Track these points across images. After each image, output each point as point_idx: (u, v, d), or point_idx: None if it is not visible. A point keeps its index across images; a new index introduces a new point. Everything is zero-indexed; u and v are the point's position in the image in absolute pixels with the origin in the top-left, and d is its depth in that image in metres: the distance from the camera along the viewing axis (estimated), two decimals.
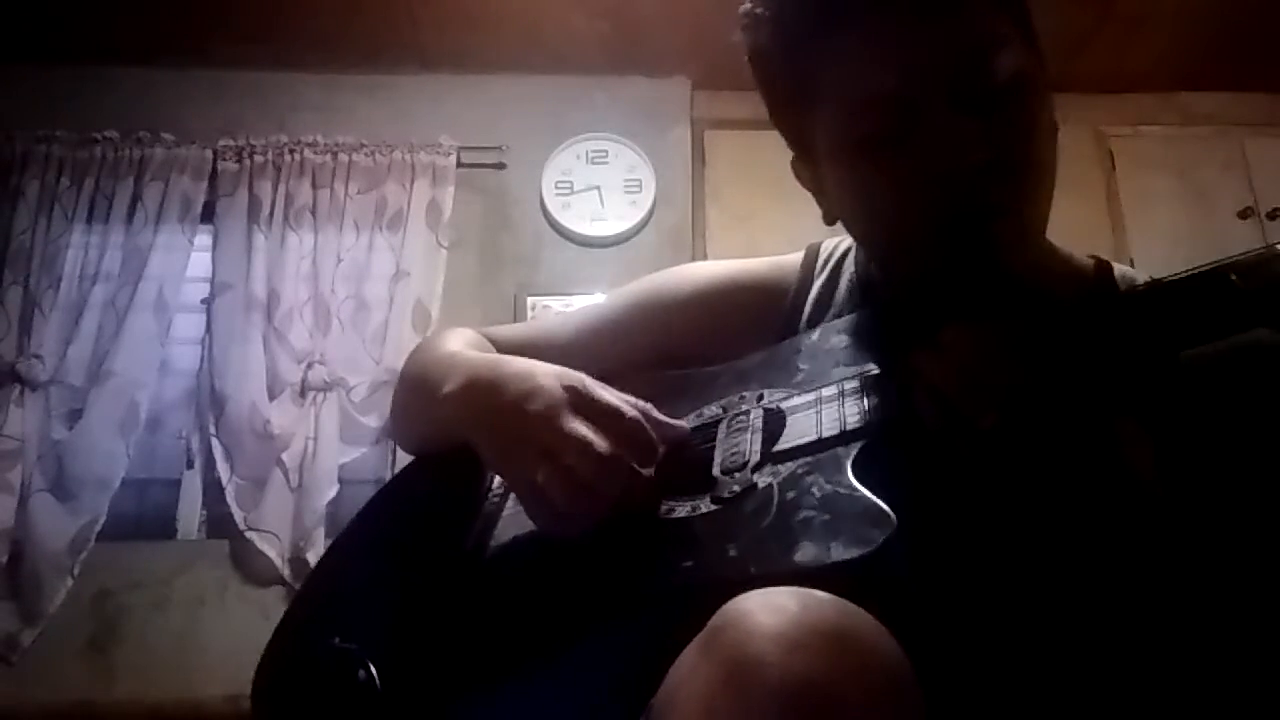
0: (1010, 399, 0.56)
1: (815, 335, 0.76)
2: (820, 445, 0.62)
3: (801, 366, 0.73)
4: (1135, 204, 3.21)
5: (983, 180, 0.66)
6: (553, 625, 0.60)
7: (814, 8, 0.71)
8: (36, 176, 2.85)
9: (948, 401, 0.57)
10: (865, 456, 0.59)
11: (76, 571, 2.57)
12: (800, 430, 0.65)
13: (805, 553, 0.53)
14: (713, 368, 0.80)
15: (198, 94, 3.05)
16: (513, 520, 0.73)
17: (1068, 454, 0.58)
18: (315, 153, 2.96)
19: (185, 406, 2.86)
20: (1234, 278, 0.53)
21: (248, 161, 2.95)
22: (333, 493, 2.66)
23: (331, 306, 2.83)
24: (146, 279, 2.79)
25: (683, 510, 0.64)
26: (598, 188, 3.11)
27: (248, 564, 2.65)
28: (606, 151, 3.15)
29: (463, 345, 0.87)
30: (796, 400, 0.69)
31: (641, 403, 0.70)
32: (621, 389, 0.70)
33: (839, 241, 0.88)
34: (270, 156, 2.95)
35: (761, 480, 0.62)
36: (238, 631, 2.54)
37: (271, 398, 2.72)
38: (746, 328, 0.83)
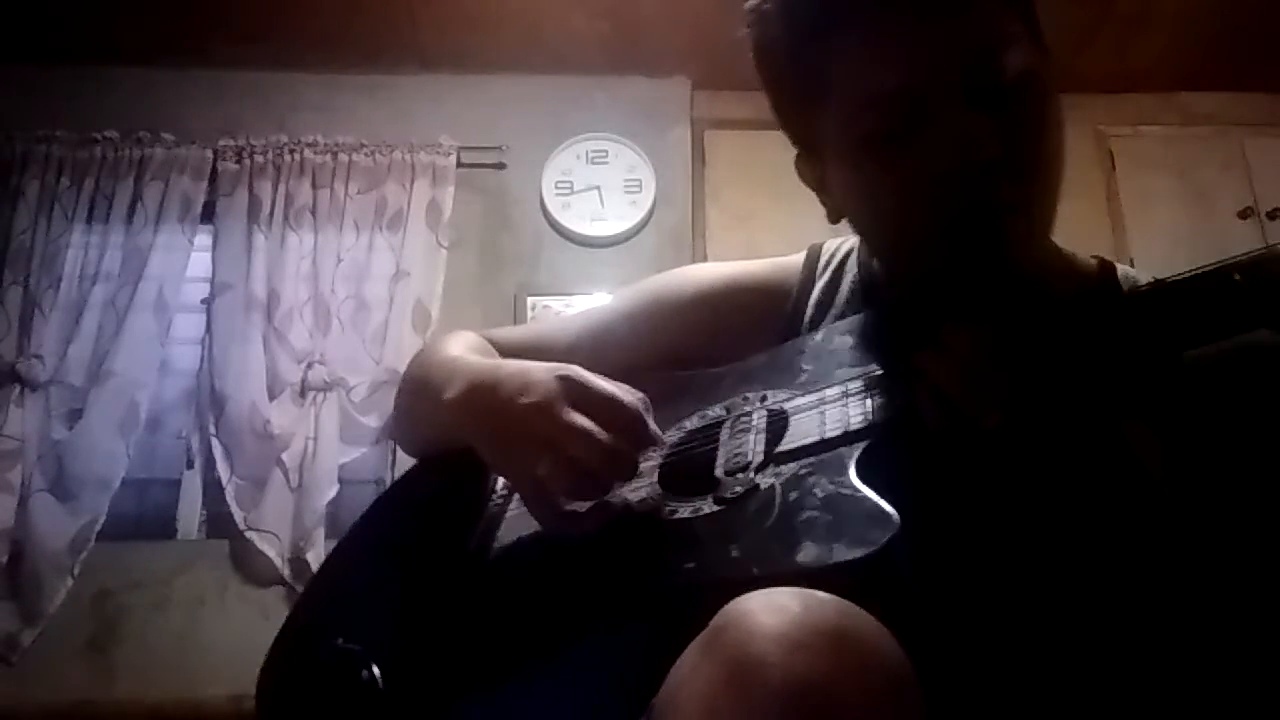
0: (1014, 398, 0.56)
1: (818, 336, 0.76)
2: (823, 446, 0.62)
3: (805, 368, 0.73)
4: (1135, 204, 3.21)
5: (994, 177, 0.66)
6: (555, 625, 0.60)
7: (823, 2, 0.70)
8: (36, 176, 2.85)
9: (951, 401, 0.57)
10: (868, 457, 0.59)
11: (76, 571, 2.57)
12: (803, 431, 0.65)
13: (807, 553, 0.53)
14: (716, 369, 0.80)
15: (198, 94, 3.05)
16: (516, 522, 0.73)
17: (1072, 454, 0.58)
18: (315, 153, 2.96)
19: (185, 406, 2.86)
20: (1237, 277, 0.53)
21: (248, 161, 2.95)
22: (333, 493, 2.66)
23: (331, 306, 2.83)
24: (146, 279, 2.79)
25: (685, 511, 0.64)
26: (598, 188, 3.11)
27: (248, 564, 2.65)
28: (606, 151, 3.15)
29: (465, 349, 0.87)
30: (800, 401, 0.69)
31: (637, 392, 0.70)
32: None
33: (841, 242, 0.88)
34: (270, 156, 2.95)
35: (764, 481, 0.62)
36: (238, 631, 2.54)
37: (271, 398, 2.72)
38: (749, 329, 0.83)
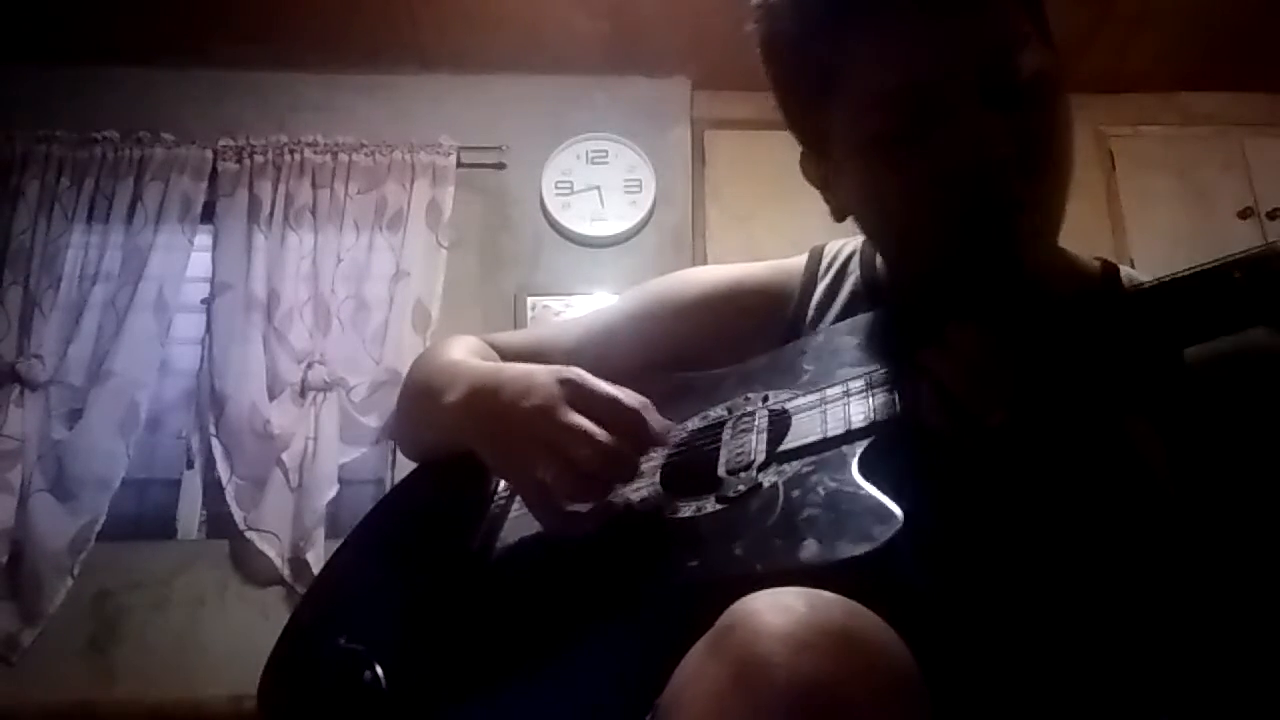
0: (1018, 397, 0.56)
1: (820, 337, 0.76)
2: (826, 444, 0.62)
3: (807, 368, 0.73)
4: (1135, 204, 3.21)
5: (1006, 175, 0.66)
6: (559, 625, 0.61)
7: None
8: (36, 176, 2.85)
9: (955, 399, 0.57)
10: (871, 455, 0.59)
11: (76, 571, 2.56)
12: (805, 430, 0.65)
13: (810, 550, 0.53)
14: (717, 370, 0.80)
15: (198, 94, 3.05)
16: (518, 522, 0.73)
17: (1076, 452, 0.58)
18: (315, 153, 2.96)
19: (185, 406, 2.86)
20: (1237, 274, 0.53)
21: (248, 161, 2.95)
22: (333, 493, 2.66)
23: (331, 306, 2.83)
24: (146, 279, 2.79)
25: (688, 510, 0.64)
26: (598, 188, 3.11)
27: (248, 564, 2.65)
28: (606, 151, 3.15)
29: (466, 353, 0.87)
30: (802, 401, 0.69)
31: (638, 395, 0.70)
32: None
33: (843, 245, 0.88)
34: (270, 156, 2.95)
35: (767, 479, 0.62)
36: (237, 631, 2.54)
37: (271, 398, 2.72)
38: (750, 332, 0.83)
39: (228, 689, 2.42)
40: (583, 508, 0.66)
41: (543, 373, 0.70)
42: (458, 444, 0.76)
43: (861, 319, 0.75)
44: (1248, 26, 3.01)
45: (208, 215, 2.93)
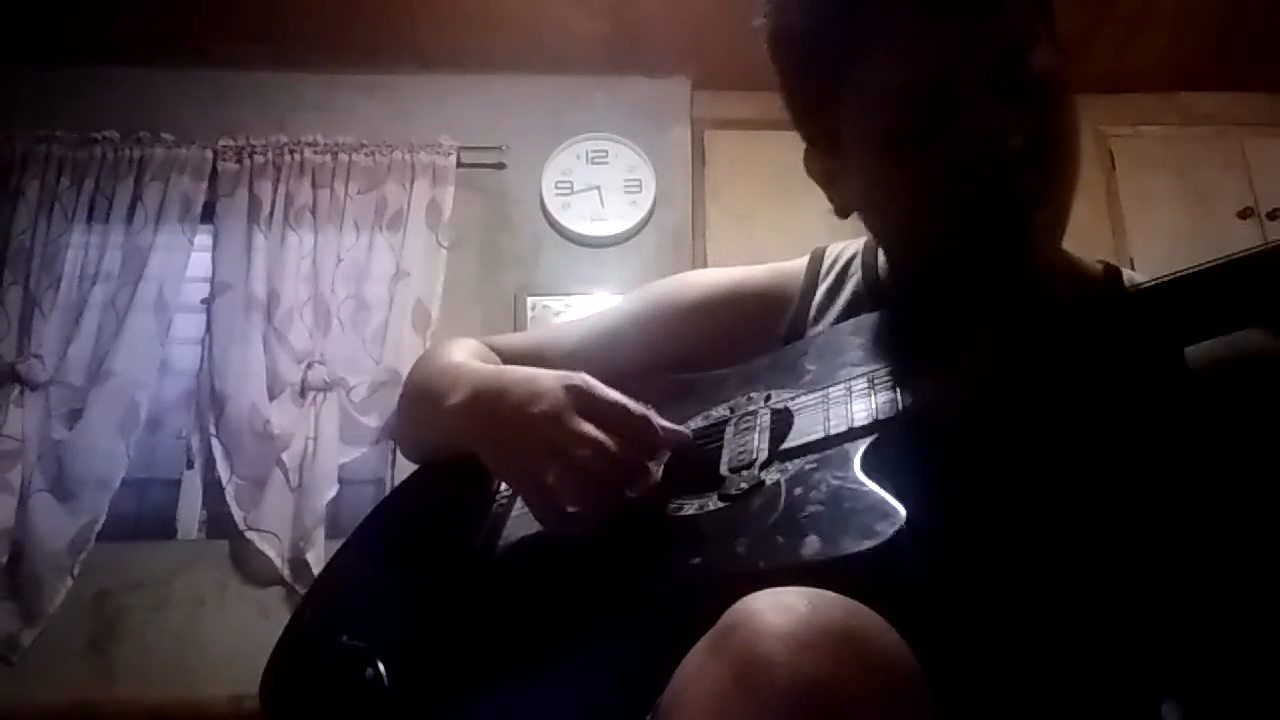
0: (1022, 395, 0.56)
1: (822, 336, 0.76)
2: (828, 442, 0.62)
3: (809, 367, 0.73)
4: (1135, 204, 3.21)
5: (1017, 168, 0.66)
6: (560, 623, 0.60)
7: None
8: (36, 176, 2.85)
9: (961, 398, 0.57)
10: (874, 453, 0.59)
11: (76, 571, 2.56)
12: (808, 428, 0.65)
13: (813, 547, 0.53)
14: (719, 371, 0.80)
15: (198, 94, 3.05)
16: (520, 522, 0.73)
17: (1082, 452, 0.58)
18: (315, 153, 2.96)
19: (185, 406, 2.86)
20: (1239, 274, 0.54)
21: (248, 161, 2.95)
22: (332, 493, 2.66)
23: (331, 306, 2.83)
24: (146, 279, 2.79)
25: (690, 508, 0.64)
26: (598, 188, 3.11)
27: (247, 564, 2.65)
28: (606, 151, 3.15)
29: (467, 356, 0.87)
30: (804, 399, 0.69)
31: (642, 405, 0.70)
32: (626, 393, 0.70)
33: (844, 247, 0.88)
34: (270, 156, 2.95)
35: (769, 477, 0.62)
36: (238, 631, 2.54)
37: (271, 398, 2.72)
38: (752, 334, 0.83)
39: (228, 689, 2.42)
40: (585, 509, 0.66)
41: (548, 378, 0.70)
42: (459, 446, 0.76)
43: (864, 319, 0.75)
44: (1248, 26, 3.01)
45: (208, 215, 2.93)
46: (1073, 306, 0.58)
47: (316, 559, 2.57)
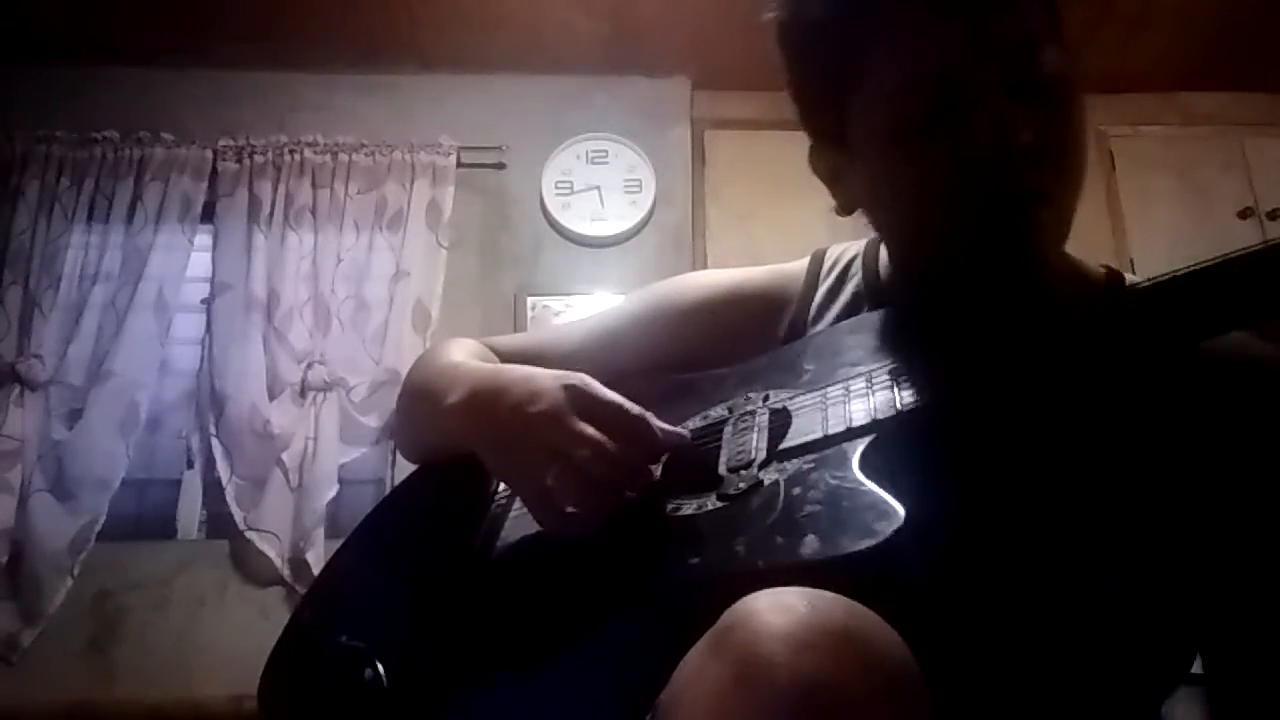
0: (1025, 395, 0.56)
1: (821, 336, 0.76)
2: (827, 442, 0.62)
3: (808, 367, 0.73)
4: (1135, 204, 3.21)
5: (1026, 164, 0.66)
6: (559, 623, 0.60)
7: None
8: (36, 176, 2.85)
9: (960, 398, 0.57)
10: (872, 452, 0.59)
11: (76, 571, 2.56)
12: (806, 428, 0.65)
13: (811, 546, 0.53)
14: (718, 371, 0.80)
15: (198, 94, 3.05)
16: (519, 522, 0.73)
17: (1080, 451, 0.58)
18: (315, 153, 2.96)
19: (185, 406, 2.86)
20: (1235, 271, 0.54)
21: (248, 161, 2.95)
22: (332, 493, 2.66)
23: (331, 306, 2.83)
24: (146, 279, 2.79)
25: (689, 508, 0.64)
26: (598, 188, 3.11)
27: (247, 564, 2.65)
28: (606, 151, 3.15)
29: (465, 356, 0.87)
30: (803, 399, 0.69)
31: (639, 406, 0.70)
32: (625, 393, 0.70)
33: (845, 248, 0.88)
34: (270, 156, 2.95)
35: (768, 477, 0.62)
36: (237, 631, 2.54)
37: (271, 398, 2.72)
38: (751, 335, 0.83)
39: (227, 689, 2.42)
40: (584, 510, 0.66)
41: (546, 378, 0.70)
42: (458, 446, 0.76)
43: (863, 318, 0.75)
44: (1248, 26, 3.01)
45: (208, 215, 2.93)
46: (1073, 307, 0.58)
47: (316, 559, 2.57)
